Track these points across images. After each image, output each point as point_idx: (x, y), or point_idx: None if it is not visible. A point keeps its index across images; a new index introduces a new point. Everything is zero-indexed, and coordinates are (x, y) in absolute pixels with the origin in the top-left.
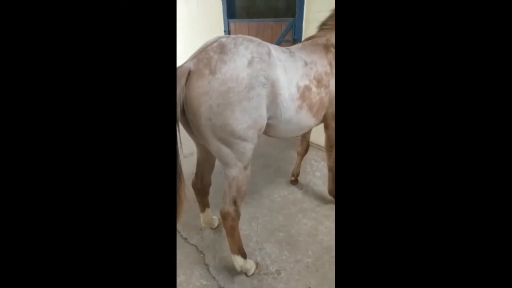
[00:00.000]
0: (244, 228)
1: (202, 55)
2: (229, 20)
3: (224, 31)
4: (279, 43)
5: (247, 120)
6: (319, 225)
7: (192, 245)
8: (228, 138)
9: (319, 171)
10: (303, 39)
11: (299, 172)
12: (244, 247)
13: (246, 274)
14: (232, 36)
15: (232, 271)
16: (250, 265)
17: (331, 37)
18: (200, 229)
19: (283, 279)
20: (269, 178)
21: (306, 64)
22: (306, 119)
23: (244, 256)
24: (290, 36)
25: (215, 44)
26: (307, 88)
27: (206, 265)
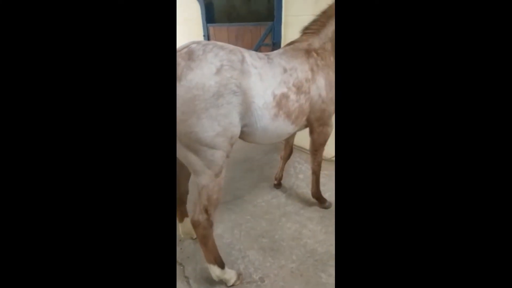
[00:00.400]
0: (226, 236)
1: None
2: (208, 24)
3: (204, 36)
4: (259, 46)
5: (215, 127)
6: (303, 229)
7: None
8: (195, 145)
9: (302, 173)
10: (282, 42)
11: (282, 176)
12: (227, 256)
13: (226, 285)
14: (203, 42)
15: (213, 283)
16: (229, 275)
17: (314, 42)
18: (180, 240)
19: (267, 286)
20: (252, 183)
21: (285, 70)
22: (283, 126)
23: (221, 265)
24: (270, 40)
25: (184, 50)
26: (284, 96)
27: (186, 277)
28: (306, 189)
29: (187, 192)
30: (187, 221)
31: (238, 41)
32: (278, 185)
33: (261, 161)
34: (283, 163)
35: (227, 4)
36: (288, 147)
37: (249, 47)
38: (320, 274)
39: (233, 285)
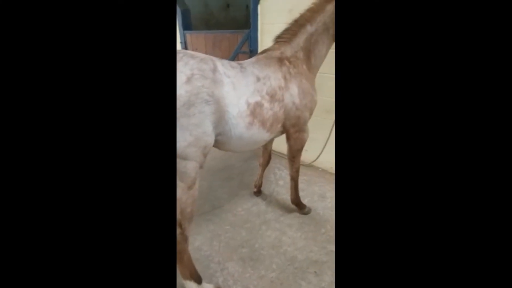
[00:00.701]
0: (205, 248)
1: None
2: (185, 31)
3: (181, 43)
4: (236, 54)
5: (187, 137)
6: (283, 236)
7: None
8: None
9: (282, 179)
10: (259, 50)
11: (261, 183)
12: (205, 269)
13: None
14: None
15: None
16: None
17: (286, 50)
18: None
19: None
20: (232, 191)
21: (258, 79)
22: (259, 134)
23: (198, 280)
24: (247, 47)
25: None
26: (258, 104)
27: None
28: (286, 195)
29: None
30: None
31: (216, 48)
32: (258, 192)
33: (241, 169)
34: (262, 170)
35: (205, 11)
36: (267, 154)
37: (226, 54)
38: (300, 282)
39: None
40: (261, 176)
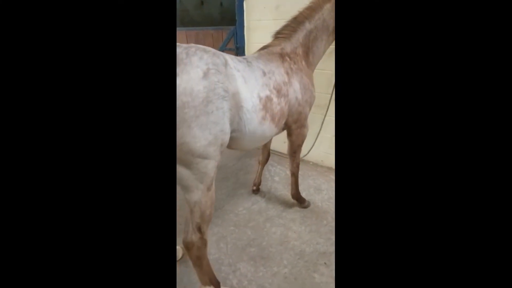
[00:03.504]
0: (213, 252)
1: None
2: None
3: None
4: (222, 51)
5: (207, 136)
6: (288, 231)
7: None
8: (187, 157)
9: (277, 175)
10: (246, 46)
11: (260, 181)
12: (217, 273)
13: None
14: (183, 45)
15: None
16: None
17: (286, 46)
18: None
19: None
20: (230, 192)
21: (264, 74)
22: (269, 129)
23: (217, 285)
24: (233, 44)
25: None
26: (268, 98)
27: None
28: (283, 191)
29: None
30: None
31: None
32: (257, 190)
33: (235, 168)
34: (261, 168)
35: (180, 8)
36: (266, 151)
37: None
38: (313, 275)
39: None
40: (260, 174)
